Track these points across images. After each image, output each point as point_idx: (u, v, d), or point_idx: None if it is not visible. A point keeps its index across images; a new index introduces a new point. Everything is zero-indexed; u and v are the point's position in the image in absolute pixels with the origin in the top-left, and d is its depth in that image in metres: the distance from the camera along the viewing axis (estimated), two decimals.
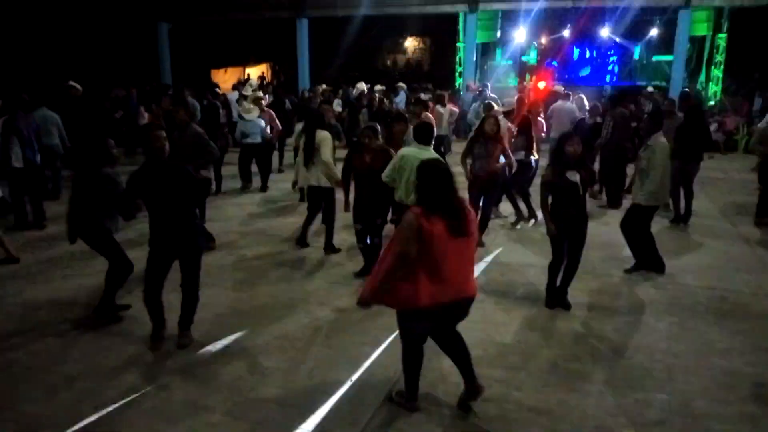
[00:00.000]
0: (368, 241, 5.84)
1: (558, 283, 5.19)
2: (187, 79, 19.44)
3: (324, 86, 14.15)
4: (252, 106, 9.86)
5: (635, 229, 5.96)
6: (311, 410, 3.63)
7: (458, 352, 3.59)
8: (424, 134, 5.47)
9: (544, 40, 23.34)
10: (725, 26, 18.05)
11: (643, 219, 5.92)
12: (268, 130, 9.83)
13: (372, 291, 3.30)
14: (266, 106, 10.97)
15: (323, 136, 6.36)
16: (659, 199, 5.89)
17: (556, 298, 5.18)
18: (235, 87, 16.35)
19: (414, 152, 5.28)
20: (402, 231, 3.21)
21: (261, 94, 11.46)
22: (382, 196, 5.64)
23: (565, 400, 3.77)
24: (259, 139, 9.53)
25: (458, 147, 10.02)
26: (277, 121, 10.40)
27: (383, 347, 4.40)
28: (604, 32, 21.20)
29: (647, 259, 6.02)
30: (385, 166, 5.48)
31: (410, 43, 28.79)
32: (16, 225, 7.49)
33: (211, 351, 4.39)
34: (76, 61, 19.41)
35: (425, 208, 3.20)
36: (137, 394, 3.78)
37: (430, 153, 5.25)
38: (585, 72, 22.21)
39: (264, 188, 9.91)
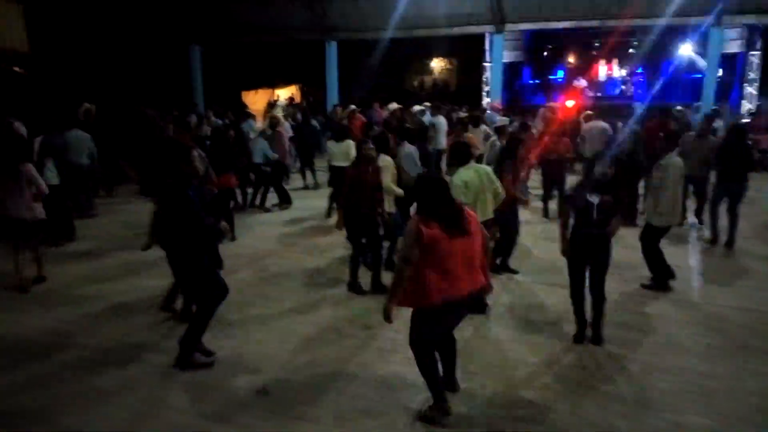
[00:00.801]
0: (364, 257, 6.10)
1: (589, 318, 4.85)
2: (219, 101, 19.90)
3: (353, 106, 14.31)
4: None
5: (647, 246, 6.04)
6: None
7: (450, 352, 3.95)
8: (460, 154, 5.40)
9: (571, 59, 23.31)
10: (758, 44, 17.80)
11: (654, 238, 6.00)
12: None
13: (389, 298, 3.56)
14: (295, 125, 11.27)
15: (386, 162, 6.29)
16: (671, 221, 5.90)
17: (586, 333, 4.85)
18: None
19: (469, 174, 5.21)
20: (405, 238, 3.52)
21: (277, 114, 11.73)
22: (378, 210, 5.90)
23: (598, 422, 3.71)
24: (258, 160, 9.74)
25: None
26: (284, 143, 10.62)
27: None
28: (633, 50, 21.10)
29: (660, 272, 6.06)
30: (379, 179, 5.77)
31: (437, 64, 29.00)
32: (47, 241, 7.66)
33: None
34: (112, 83, 20.02)
35: (424, 216, 3.49)
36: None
37: (481, 167, 5.39)
38: (614, 90, 22.05)
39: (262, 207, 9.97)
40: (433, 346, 3.74)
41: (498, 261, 6.41)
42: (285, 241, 8.09)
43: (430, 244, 3.41)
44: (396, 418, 3.76)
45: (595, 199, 4.58)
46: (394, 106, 13.34)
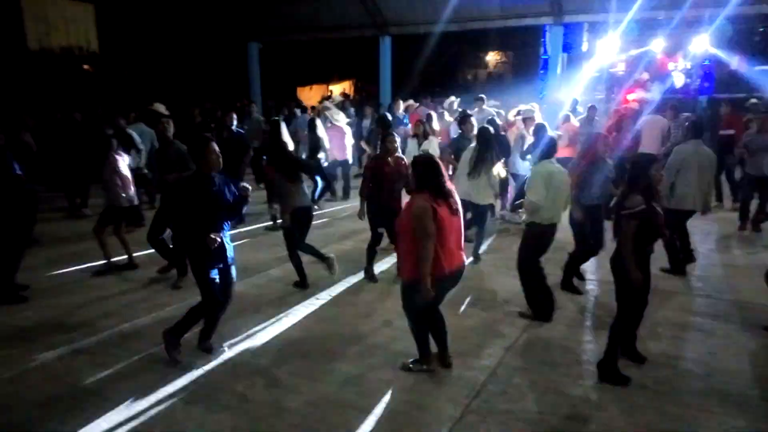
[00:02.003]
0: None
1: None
2: (275, 97, 20.29)
3: (411, 101, 14.29)
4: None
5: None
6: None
7: (441, 329, 4.26)
8: (546, 147, 5.27)
9: (633, 51, 22.49)
10: None
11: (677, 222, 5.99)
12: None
13: (423, 276, 3.75)
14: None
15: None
16: (692, 204, 6.01)
17: (627, 353, 4.28)
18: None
19: (554, 168, 5.05)
20: (421, 217, 3.73)
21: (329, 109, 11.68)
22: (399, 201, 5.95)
23: (654, 422, 3.58)
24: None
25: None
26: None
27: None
28: (700, 42, 20.12)
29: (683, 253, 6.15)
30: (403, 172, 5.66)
31: (491, 57, 28.61)
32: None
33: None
34: (174, 80, 20.70)
35: (431, 194, 3.80)
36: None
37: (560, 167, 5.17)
38: (678, 83, 21.12)
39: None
40: (423, 314, 4.10)
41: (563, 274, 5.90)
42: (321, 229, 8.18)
43: (440, 222, 3.75)
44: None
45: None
46: (451, 99, 13.15)
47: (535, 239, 5.10)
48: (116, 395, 3.92)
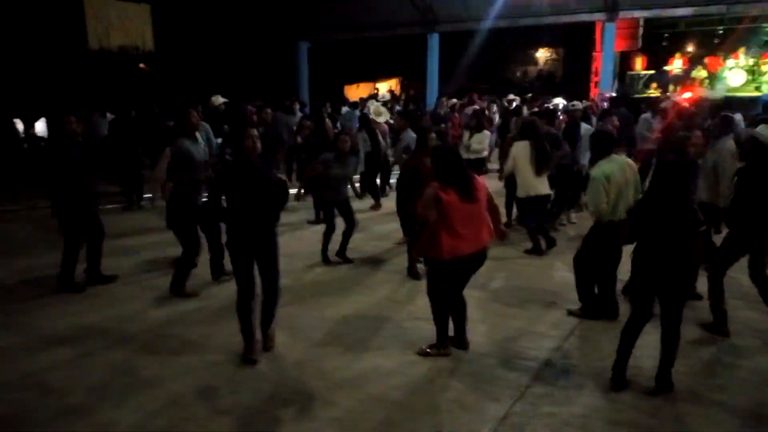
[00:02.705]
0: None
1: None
2: (322, 95, 20.49)
3: (455, 100, 14.24)
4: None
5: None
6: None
7: (461, 312, 4.45)
8: (601, 144, 5.03)
9: (691, 47, 21.69)
10: None
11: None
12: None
13: (411, 250, 4.53)
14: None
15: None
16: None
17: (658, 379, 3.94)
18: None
19: (613, 167, 4.83)
20: (424, 201, 4.06)
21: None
22: None
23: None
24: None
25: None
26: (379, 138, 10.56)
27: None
28: (762, 38, 19.25)
29: None
30: None
31: (542, 54, 28.10)
32: None
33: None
34: (227, 78, 21.16)
35: (441, 182, 4.06)
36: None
37: (624, 159, 4.96)
38: (737, 82, 20.21)
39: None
40: (445, 298, 4.32)
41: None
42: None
43: (446, 208, 4.00)
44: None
45: None
46: (511, 97, 13.03)
47: (597, 237, 4.96)
48: (174, 386, 4.04)
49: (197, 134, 5.73)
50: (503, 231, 4.61)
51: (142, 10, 22.66)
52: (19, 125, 13.62)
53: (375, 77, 27.39)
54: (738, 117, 9.65)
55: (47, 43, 18.55)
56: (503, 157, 7.75)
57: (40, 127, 13.78)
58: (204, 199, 5.31)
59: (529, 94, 14.87)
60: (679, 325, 3.86)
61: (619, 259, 4.95)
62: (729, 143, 5.62)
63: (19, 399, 3.86)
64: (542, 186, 6.80)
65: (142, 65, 22.92)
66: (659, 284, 3.80)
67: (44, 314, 5.26)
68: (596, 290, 5.12)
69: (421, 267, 5.80)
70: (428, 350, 4.41)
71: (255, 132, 4.19)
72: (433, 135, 6.05)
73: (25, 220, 8.85)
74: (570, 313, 5.16)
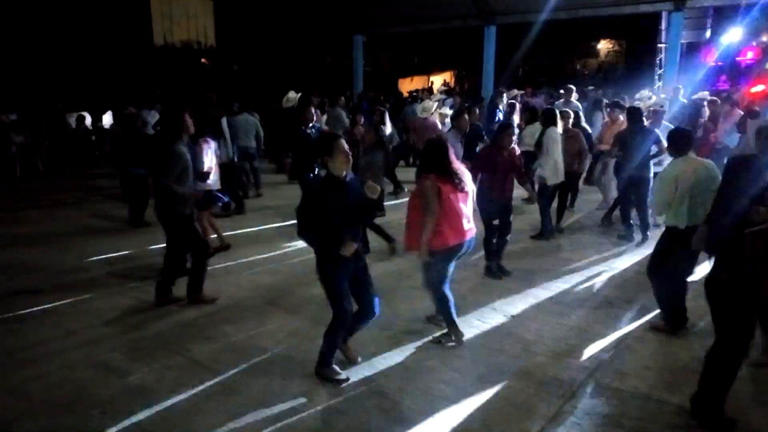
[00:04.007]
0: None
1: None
2: (377, 88, 20.58)
3: (516, 90, 14.03)
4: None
5: None
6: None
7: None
8: (677, 142, 4.64)
9: (765, 38, 20.56)
10: None
11: None
12: None
13: (422, 243, 4.20)
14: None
15: None
16: None
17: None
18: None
19: (684, 167, 4.51)
20: (427, 195, 4.15)
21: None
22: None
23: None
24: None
25: None
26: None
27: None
28: None
29: None
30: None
31: (603, 46, 27.25)
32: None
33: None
34: (285, 72, 21.55)
35: (438, 174, 4.18)
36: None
37: (704, 162, 4.60)
38: None
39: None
40: (443, 285, 4.39)
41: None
42: None
43: (446, 199, 4.15)
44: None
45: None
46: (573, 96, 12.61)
47: (664, 242, 4.69)
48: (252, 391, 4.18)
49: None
50: None
51: (205, 6, 23.35)
52: (88, 118, 14.29)
53: (429, 70, 27.27)
54: None
55: (115, 38, 19.38)
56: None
57: (107, 119, 14.43)
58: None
59: (591, 87, 14.45)
60: None
61: (692, 267, 4.67)
62: None
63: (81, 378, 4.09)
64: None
65: (203, 60, 23.62)
66: None
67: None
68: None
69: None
70: (441, 339, 4.54)
71: (345, 145, 3.81)
72: (514, 131, 6.05)
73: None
74: (652, 327, 4.80)
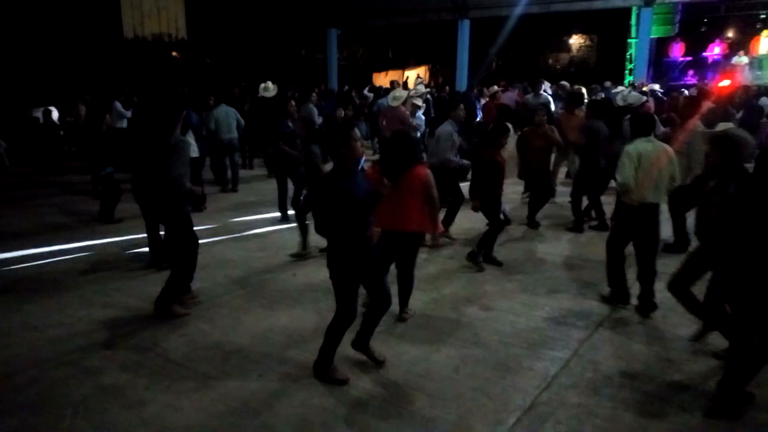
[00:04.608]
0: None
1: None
2: (352, 82, 20.50)
3: (495, 87, 14.17)
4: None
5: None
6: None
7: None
8: (640, 125, 5.07)
9: (731, 33, 21.02)
10: None
11: None
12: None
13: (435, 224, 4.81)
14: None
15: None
16: None
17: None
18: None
19: (648, 146, 4.85)
20: (433, 183, 4.51)
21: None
22: None
23: (735, 427, 3.38)
24: None
25: None
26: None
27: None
28: None
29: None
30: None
31: (575, 41, 27.56)
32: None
33: None
34: (257, 66, 21.31)
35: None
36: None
37: (662, 145, 4.96)
38: None
39: None
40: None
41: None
42: None
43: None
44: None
45: None
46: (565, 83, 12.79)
47: (623, 220, 4.96)
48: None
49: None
50: (434, 226, 4.82)
51: None
52: (54, 113, 13.96)
53: (404, 65, 27.25)
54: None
55: (84, 31, 18.95)
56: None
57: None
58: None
59: (562, 81, 14.63)
60: None
61: (657, 245, 4.90)
62: None
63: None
64: None
65: (175, 53, 23.24)
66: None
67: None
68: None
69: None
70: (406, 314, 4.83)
71: (359, 135, 3.71)
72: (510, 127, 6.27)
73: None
74: (603, 298, 5.20)
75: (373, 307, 3.97)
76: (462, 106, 7.54)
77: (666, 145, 4.99)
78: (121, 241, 7.21)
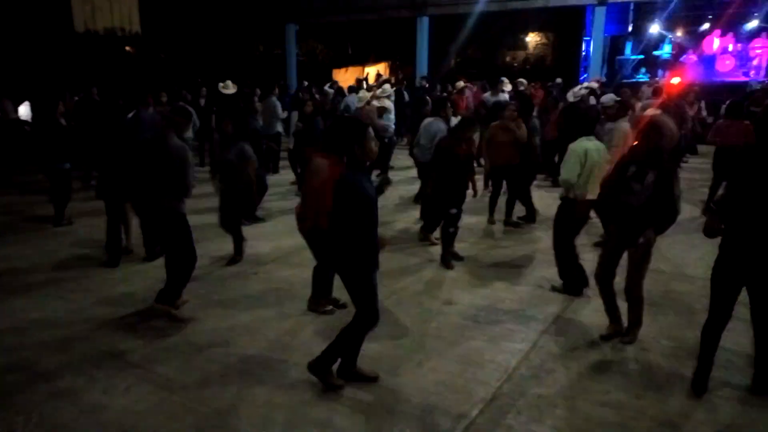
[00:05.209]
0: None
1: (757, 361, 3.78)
2: (311, 78, 20.36)
3: (462, 83, 14.26)
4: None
5: None
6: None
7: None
8: (583, 124, 5.25)
9: (680, 32, 21.74)
10: None
11: None
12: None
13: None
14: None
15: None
16: None
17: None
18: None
19: (590, 145, 5.02)
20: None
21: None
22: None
23: (690, 413, 3.51)
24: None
25: None
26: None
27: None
28: (752, 23, 19.37)
29: None
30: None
31: (532, 39, 28.01)
32: None
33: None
34: (214, 62, 20.93)
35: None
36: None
37: (599, 144, 5.16)
38: (725, 67, 20.31)
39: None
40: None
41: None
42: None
43: None
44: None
45: None
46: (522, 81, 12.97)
47: (568, 215, 5.15)
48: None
49: None
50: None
51: None
52: (9, 106, 13.37)
53: (364, 61, 27.21)
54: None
55: (31, 24, 18.25)
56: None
57: (24, 111, 13.54)
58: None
59: (520, 79, 14.88)
60: None
61: (575, 234, 5.20)
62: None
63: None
64: None
65: (128, 48, 22.62)
66: (750, 277, 3.54)
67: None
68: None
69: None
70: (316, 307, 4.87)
71: (373, 133, 3.58)
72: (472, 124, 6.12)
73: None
74: (553, 288, 5.39)
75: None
76: (449, 104, 7.64)
77: (600, 144, 5.20)
78: (76, 241, 6.99)
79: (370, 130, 3.54)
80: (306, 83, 17.98)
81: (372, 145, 3.50)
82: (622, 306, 4.44)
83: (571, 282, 5.29)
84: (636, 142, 4.27)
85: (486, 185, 8.43)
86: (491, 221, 7.70)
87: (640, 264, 4.23)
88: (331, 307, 4.93)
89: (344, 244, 3.50)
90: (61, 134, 7.76)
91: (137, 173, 4.85)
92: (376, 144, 3.55)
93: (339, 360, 3.80)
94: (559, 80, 15.53)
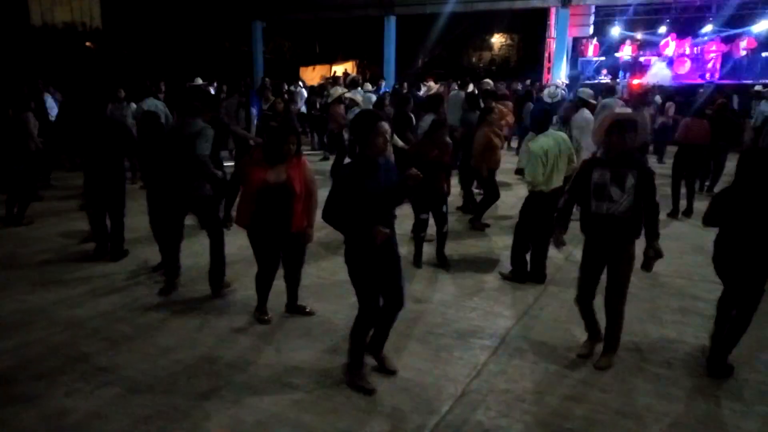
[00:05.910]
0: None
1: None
2: (278, 76, 20.18)
3: (432, 83, 14.40)
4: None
5: None
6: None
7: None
8: (540, 121, 5.53)
9: (639, 35, 22.32)
10: None
11: None
12: None
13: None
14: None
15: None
16: None
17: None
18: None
19: (549, 141, 5.24)
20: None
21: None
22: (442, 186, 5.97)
23: (653, 405, 3.62)
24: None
25: None
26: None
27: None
28: (707, 27, 20.01)
29: None
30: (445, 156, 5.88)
31: (497, 40, 28.38)
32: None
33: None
34: (178, 59, 20.54)
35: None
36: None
37: (559, 134, 5.41)
38: (683, 69, 20.94)
39: None
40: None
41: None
42: None
43: None
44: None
45: None
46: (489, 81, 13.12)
47: (535, 207, 5.40)
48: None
49: None
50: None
51: None
52: None
53: (332, 60, 27.12)
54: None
55: None
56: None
57: None
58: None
59: (486, 79, 15.09)
60: (752, 313, 3.83)
61: (544, 225, 5.35)
62: None
63: None
64: None
65: (88, 43, 22.02)
66: (739, 270, 3.80)
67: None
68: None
69: None
70: (258, 315, 4.75)
71: (387, 127, 3.52)
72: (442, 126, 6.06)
73: None
74: (503, 276, 5.66)
75: (384, 308, 3.75)
76: (444, 103, 7.74)
77: (560, 133, 5.47)
78: (35, 241, 6.78)
79: (382, 124, 3.47)
80: (267, 80, 17.79)
81: (379, 141, 3.45)
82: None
83: (518, 270, 5.58)
84: (606, 144, 4.03)
85: (481, 188, 8.24)
86: (480, 227, 7.57)
87: (626, 277, 3.97)
88: (268, 317, 4.75)
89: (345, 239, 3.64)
90: (13, 134, 7.50)
91: (164, 169, 5.11)
92: (385, 141, 3.49)
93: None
94: (528, 81, 15.86)
